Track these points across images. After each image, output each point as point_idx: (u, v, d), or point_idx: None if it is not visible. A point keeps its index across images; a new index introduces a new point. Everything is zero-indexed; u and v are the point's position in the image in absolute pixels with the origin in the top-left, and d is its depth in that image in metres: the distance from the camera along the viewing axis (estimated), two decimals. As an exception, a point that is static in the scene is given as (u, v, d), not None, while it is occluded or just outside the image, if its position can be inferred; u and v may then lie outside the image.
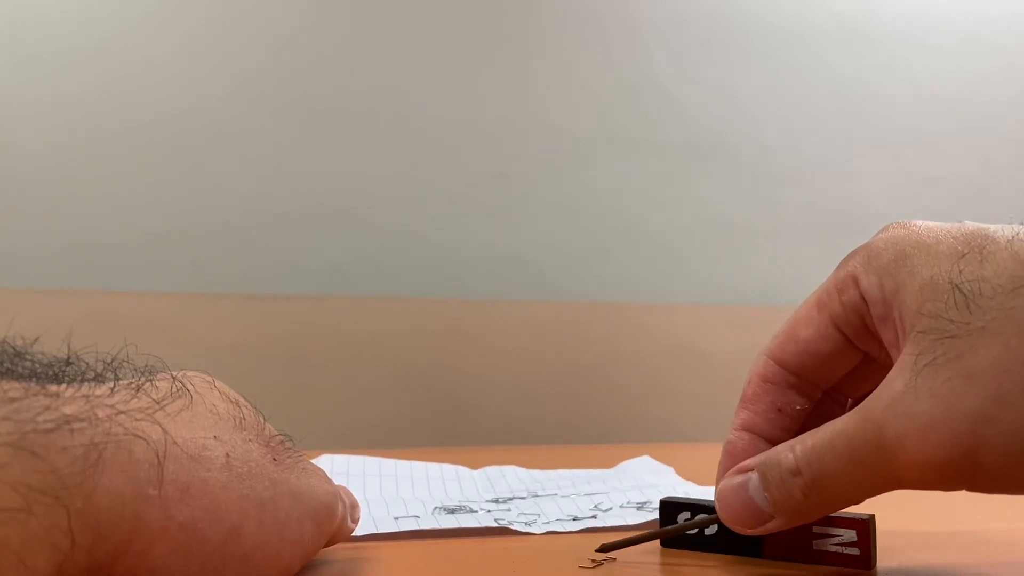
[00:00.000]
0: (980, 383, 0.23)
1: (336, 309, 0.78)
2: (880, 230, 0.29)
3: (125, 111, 0.76)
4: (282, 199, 0.78)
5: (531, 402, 0.80)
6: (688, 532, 0.34)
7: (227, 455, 0.25)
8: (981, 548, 0.35)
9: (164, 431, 0.23)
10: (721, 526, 0.31)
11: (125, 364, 0.25)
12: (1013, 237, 0.25)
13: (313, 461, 0.35)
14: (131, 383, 0.24)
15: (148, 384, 0.24)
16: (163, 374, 0.26)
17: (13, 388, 0.20)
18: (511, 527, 0.37)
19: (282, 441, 0.29)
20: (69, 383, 0.22)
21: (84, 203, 0.75)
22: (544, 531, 0.37)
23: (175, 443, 0.23)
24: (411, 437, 0.77)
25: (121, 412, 0.22)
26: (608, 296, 0.84)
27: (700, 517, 0.33)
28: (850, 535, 0.30)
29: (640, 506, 0.41)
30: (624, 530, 0.37)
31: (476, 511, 0.41)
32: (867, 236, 0.30)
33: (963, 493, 0.25)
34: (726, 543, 0.32)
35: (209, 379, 0.28)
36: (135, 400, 0.23)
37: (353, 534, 0.33)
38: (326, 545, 0.31)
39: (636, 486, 0.46)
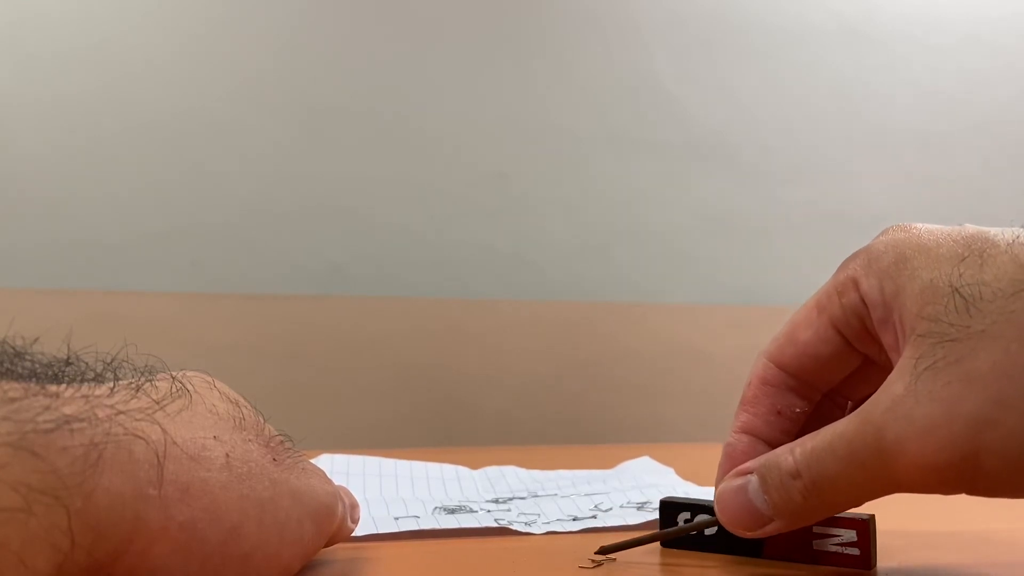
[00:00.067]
0: (980, 387, 0.23)
1: (336, 309, 0.78)
2: (880, 233, 0.29)
3: (125, 111, 0.76)
4: (282, 199, 0.78)
5: (531, 402, 0.80)
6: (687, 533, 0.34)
7: (227, 455, 0.25)
8: (981, 548, 0.35)
9: (164, 431, 0.23)
10: (721, 526, 0.31)
11: (125, 364, 0.25)
12: (1013, 240, 0.25)
13: (313, 461, 0.35)
14: (131, 383, 0.24)
15: (148, 384, 0.24)
16: (163, 374, 0.26)
17: (13, 388, 0.20)
18: (511, 527, 0.37)
19: (282, 441, 0.29)
20: (69, 383, 0.22)
21: (84, 203, 0.75)
22: (544, 531, 0.37)
23: (175, 443, 0.23)
24: (411, 437, 0.77)
25: (121, 412, 0.22)
26: (608, 296, 0.84)
27: (699, 519, 0.33)
28: (850, 535, 0.30)
29: (640, 506, 0.41)
30: (624, 530, 0.37)
31: (476, 511, 0.41)
32: (867, 236, 0.30)
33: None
34: (726, 543, 0.32)
35: (209, 379, 0.28)
36: (135, 400, 0.23)
37: (353, 534, 0.33)
38: (326, 545, 0.31)
39: (636, 486, 0.46)
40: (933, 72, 0.93)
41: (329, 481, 0.31)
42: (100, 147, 0.75)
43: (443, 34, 0.82)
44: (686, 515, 0.34)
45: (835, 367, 0.30)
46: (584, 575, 0.31)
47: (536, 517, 0.39)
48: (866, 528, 0.30)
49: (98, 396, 0.22)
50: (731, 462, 0.30)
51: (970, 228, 0.27)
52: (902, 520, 0.36)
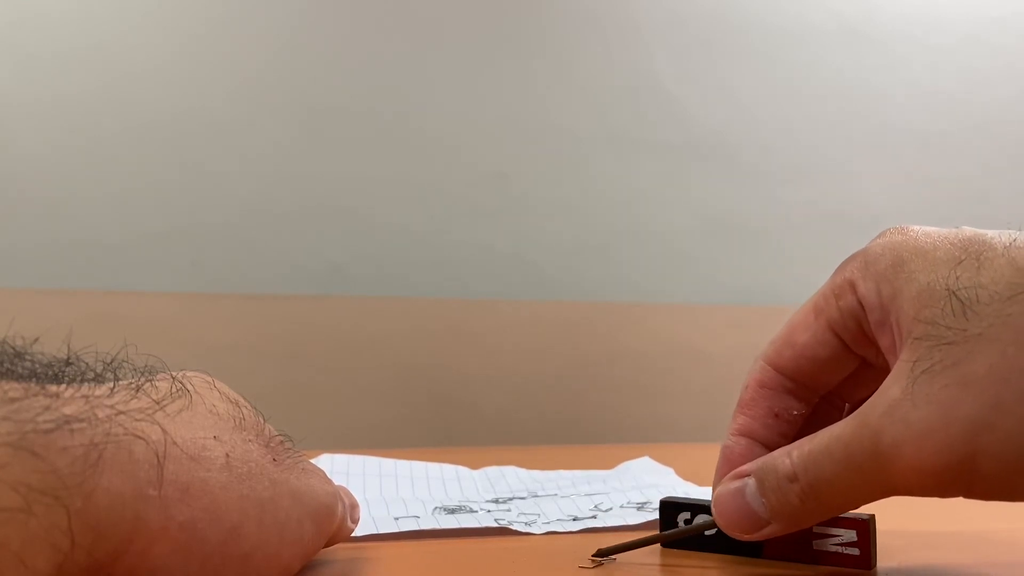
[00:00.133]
0: (977, 390, 0.23)
1: (336, 309, 0.78)
2: (877, 235, 0.29)
3: (125, 111, 0.76)
4: (282, 199, 0.78)
5: (531, 402, 0.80)
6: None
7: (227, 455, 0.25)
8: (981, 548, 0.35)
9: (164, 431, 0.23)
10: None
11: (125, 364, 0.25)
12: (1010, 244, 0.25)
13: (313, 461, 0.35)
14: (131, 383, 0.24)
15: (148, 384, 0.24)
16: (163, 374, 0.26)
17: (13, 388, 0.20)
18: (511, 527, 0.37)
19: (282, 441, 0.29)
20: (69, 383, 0.22)
21: (84, 203, 0.75)
22: (544, 531, 0.37)
23: (175, 443, 0.23)
24: (411, 437, 0.77)
25: (121, 412, 0.22)
26: (608, 296, 0.84)
27: (697, 522, 0.33)
28: (850, 535, 0.30)
29: (640, 506, 0.41)
30: (624, 530, 0.37)
31: (476, 511, 0.41)
32: (867, 236, 0.30)
33: (963, 494, 0.25)
34: (726, 543, 0.32)
35: (209, 379, 0.28)
36: (135, 400, 0.23)
37: (353, 534, 0.33)
38: (326, 545, 0.31)
39: (636, 486, 0.46)
40: (933, 72, 0.93)
41: (329, 481, 0.31)
42: (100, 147, 0.75)
43: (443, 34, 0.82)
44: (686, 515, 0.34)
45: (832, 369, 0.30)
46: (584, 575, 0.31)
47: (536, 517, 0.39)
48: (866, 528, 0.30)
49: (98, 396, 0.22)
50: (728, 465, 0.30)
51: (967, 230, 0.27)
52: (902, 520, 0.37)
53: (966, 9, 0.93)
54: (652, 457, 0.55)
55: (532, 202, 0.83)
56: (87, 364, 0.24)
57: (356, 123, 0.80)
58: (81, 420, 0.20)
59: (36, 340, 0.24)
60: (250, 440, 0.27)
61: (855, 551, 0.30)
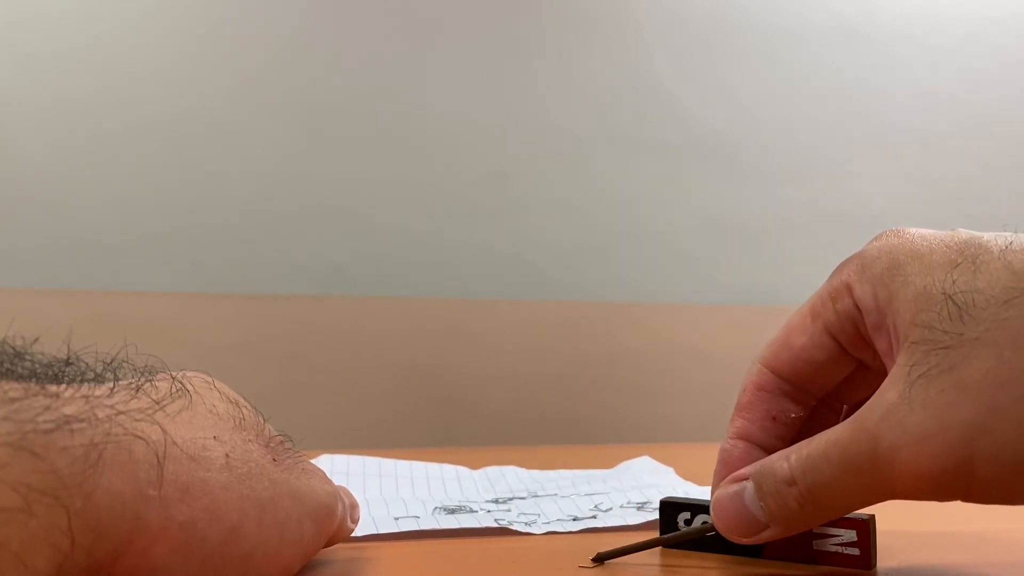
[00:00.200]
0: (974, 394, 0.23)
1: (336, 309, 0.78)
2: (874, 238, 0.29)
3: (125, 111, 0.76)
4: (282, 199, 0.78)
5: (531, 402, 0.80)
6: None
7: (227, 455, 0.25)
8: (981, 548, 0.35)
9: (164, 431, 0.23)
10: (719, 529, 0.31)
11: (125, 364, 0.25)
12: (1007, 247, 0.25)
13: (313, 461, 0.35)
14: (131, 383, 0.24)
15: (148, 384, 0.24)
16: (163, 374, 0.26)
17: (13, 388, 0.20)
18: (511, 527, 0.37)
19: (282, 441, 0.29)
20: (69, 383, 0.22)
21: (84, 203, 0.75)
22: (544, 531, 0.37)
23: (175, 443, 0.23)
24: (411, 437, 0.77)
25: (121, 412, 0.22)
26: (608, 296, 0.84)
27: (694, 526, 0.33)
28: (850, 535, 0.30)
29: (640, 506, 0.41)
30: (624, 530, 0.37)
31: (476, 511, 0.41)
32: (867, 236, 0.30)
33: (962, 494, 0.25)
34: (726, 543, 0.32)
35: (209, 379, 0.28)
36: (135, 400, 0.23)
37: (353, 534, 0.33)
38: (326, 545, 0.31)
39: (636, 486, 0.46)
40: (933, 72, 0.93)
41: (329, 481, 0.31)
42: (100, 147, 0.75)
43: (443, 34, 0.82)
44: (686, 515, 0.34)
45: (830, 372, 0.30)
46: (584, 575, 0.31)
47: (536, 517, 0.39)
48: (866, 528, 0.30)
49: (98, 396, 0.22)
50: (726, 468, 0.30)
51: (963, 233, 0.27)
52: (902, 520, 0.37)
53: (966, 9, 0.93)
54: (652, 457, 0.55)
55: (532, 202, 0.83)
56: (87, 364, 0.24)
57: (356, 123, 0.80)
58: (81, 420, 0.20)
59: (36, 340, 0.24)
60: (250, 440, 0.27)
61: (855, 551, 0.30)
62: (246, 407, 0.28)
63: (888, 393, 0.25)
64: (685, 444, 0.75)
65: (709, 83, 0.87)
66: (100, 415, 0.21)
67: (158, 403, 0.24)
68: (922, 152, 0.92)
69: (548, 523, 0.38)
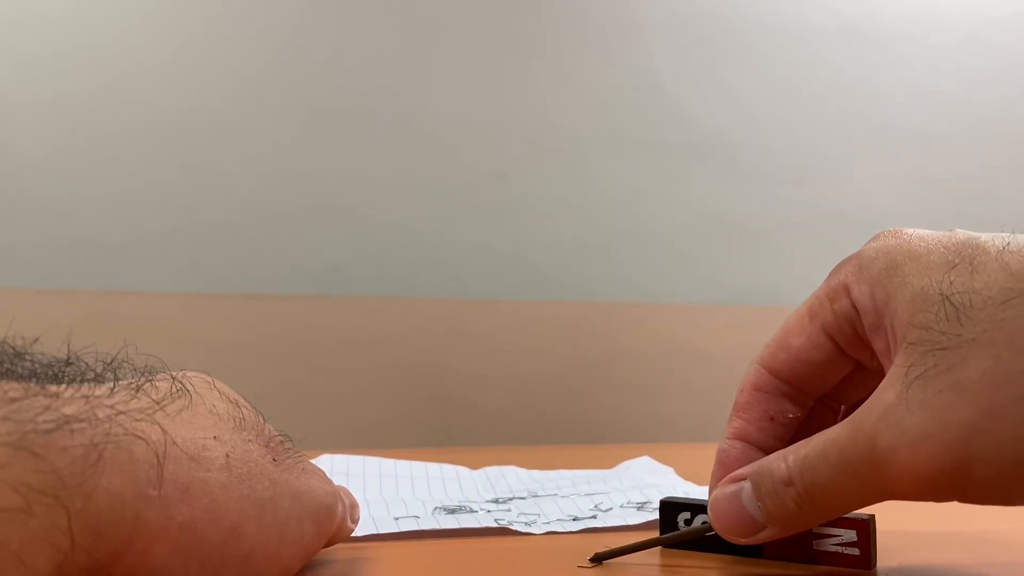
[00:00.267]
0: (971, 395, 0.23)
1: (336, 309, 0.78)
2: (871, 238, 0.29)
3: (125, 111, 0.76)
4: (282, 199, 0.78)
5: (531, 402, 0.80)
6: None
7: (227, 455, 0.25)
8: (981, 548, 0.35)
9: (164, 431, 0.23)
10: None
11: (125, 364, 0.25)
12: (1004, 248, 0.25)
13: (313, 461, 0.35)
14: (131, 383, 0.24)
15: (148, 384, 0.24)
16: (163, 374, 0.26)
17: (13, 388, 0.20)
18: (511, 527, 0.37)
19: (282, 441, 0.29)
20: (69, 383, 0.22)
21: (84, 203, 0.75)
22: (544, 531, 0.37)
23: (175, 443, 0.23)
24: (411, 437, 0.77)
25: (121, 412, 0.22)
26: (608, 296, 0.84)
27: (693, 527, 0.33)
28: (850, 535, 0.30)
29: (640, 506, 0.41)
30: (624, 530, 0.37)
31: (476, 511, 0.41)
32: (867, 236, 0.30)
33: (963, 494, 0.25)
34: (726, 543, 0.32)
35: (209, 379, 0.28)
36: (135, 400, 0.23)
37: (353, 534, 0.33)
38: (326, 545, 0.31)
39: (636, 486, 0.46)
40: (933, 72, 0.93)
41: (329, 481, 0.31)
42: (100, 147, 0.75)
43: (443, 34, 0.82)
44: (686, 515, 0.34)
45: (827, 373, 0.30)
46: (583, 575, 0.31)
47: (536, 517, 0.39)
48: (866, 528, 0.30)
49: (98, 396, 0.22)
50: (724, 468, 0.30)
51: (960, 234, 0.27)
52: (902, 520, 0.37)
53: (966, 9, 0.93)
54: (652, 457, 0.55)
55: (532, 202, 0.83)
56: (87, 364, 0.24)
57: (356, 123, 0.80)
58: (81, 420, 0.20)
59: (36, 340, 0.24)
60: (250, 440, 0.27)
61: (855, 551, 0.30)
62: (246, 407, 0.28)
63: (886, 394, 0.25)
64: (685, 444, 0.75)
65: (709, 83, 0.87)
66: (100, 415, 0.21)
67: (158, 403, 0.24)
68: (922, 152, 0.92)
69: (548, 523, 0.38)
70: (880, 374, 0.27)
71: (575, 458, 0.59)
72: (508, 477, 0.51)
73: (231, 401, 0.28)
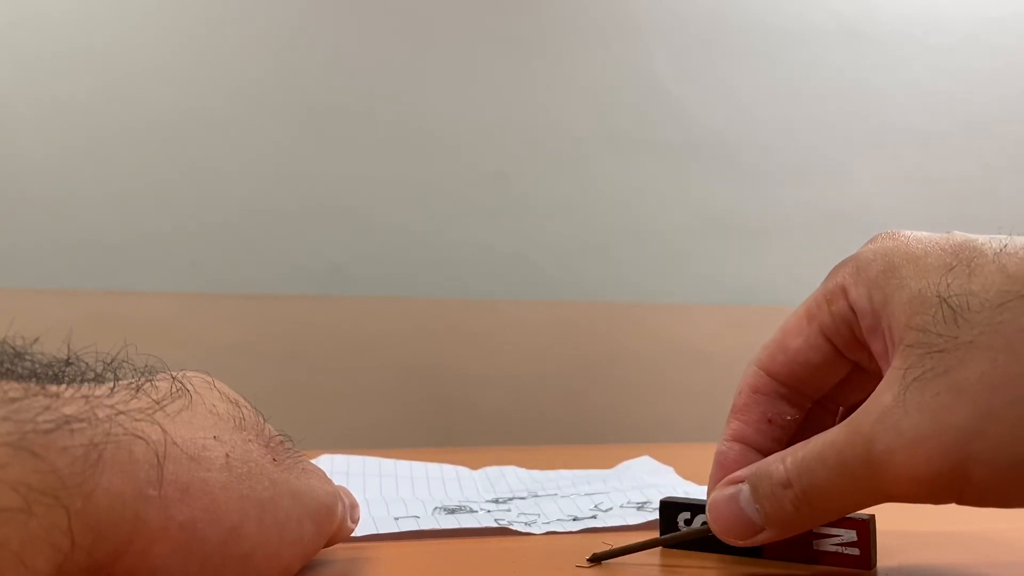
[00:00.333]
0: (969, 398, 0.23)
1: (336, 309, 0.78)
2: (869, 240, 0.29)
3: (125, 111, 0.76)
4: (282, 199, 0.78)
5: (531, 402, 0.80)
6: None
7: (227, 455, 0.25)
8: (981, 548, 0.35)
9: (164, 431, 0.23)
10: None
11: (125, 364, 0.25)
12: (1001, 250, 0.25)
13: (313, 461, 0.35)
14: (131, 383, 0.24)
15: (148, 384, 0.24)
16: (163, 374, 0.26)
17: (13, 388, 0.20)
18: (511, 527, 0.37)
19: (282, 441, 0.29)
20: (69, 383, 0.22)
21: (84, 203, 0.75)
22: (544, 531, 0.37)
23: (175, 443, 0.23)
24: (411, 437, 0.77)
25: (121, 412, 0.22)
26: (608, 296, 0.84)
27: (694, 527, 0.33)
28: (850, 535, 0.30)
29: (640, 506, 0.41)
30: (624, 530, 0.37)
31: (476, 511, 0.41)
32: (867, 236, 0.30)
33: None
34: (726, 544, 0.32)
35: (209, 379, 0.28)
36: (135, 400, 0.23)
37: (353, 534, 0.33)
38: (326, 545, 0.31)
39: (636, 486, 0.46)
40: (933, 72, 0.93)
41: (329, 481, 0.31)
42: (100, 147, 0.75)
43: (443, 34, 0.82)
44: (686, 515, 0.34)
45: (825, 374, 0.30)
46: (582, 574, 0.31)
47: (536, 517, 0.39)
48: (866, 528, 0.30)
49: (98, 396, 0.22)
50: (722, 470, 0.30)
51: (958, 236, 0.27)
52: (902, 520, 0.37)
53: (966, 9, 0.93)
54: (652, 457, 0.55)
55: (532, 202, 0.83)
56: (87, 364, 0.24)
57: (356, 123, 0.80)
58: (81, 420, 0.20)
59: (36, 340, 0.24)
60: (250, 440, 0.27)
61: (855, 551, 0.30)
62: (246, 407, 0.28)
63: (883, 396, 0.25)
64: (685, 444, 0.75)
65: (709, 83, 0.87)
66: (100, 415, 0.21)
67: (158, 403, 0.24)
68: (922, 152, 0.92)
69: (548, 523, 0.38)
70: (878, 376, 0.27)
71: (575, 458, 0.59)
72: (508, 477, 0.51)
73: (231, 401, 0.28)
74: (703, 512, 0.33)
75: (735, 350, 0.83)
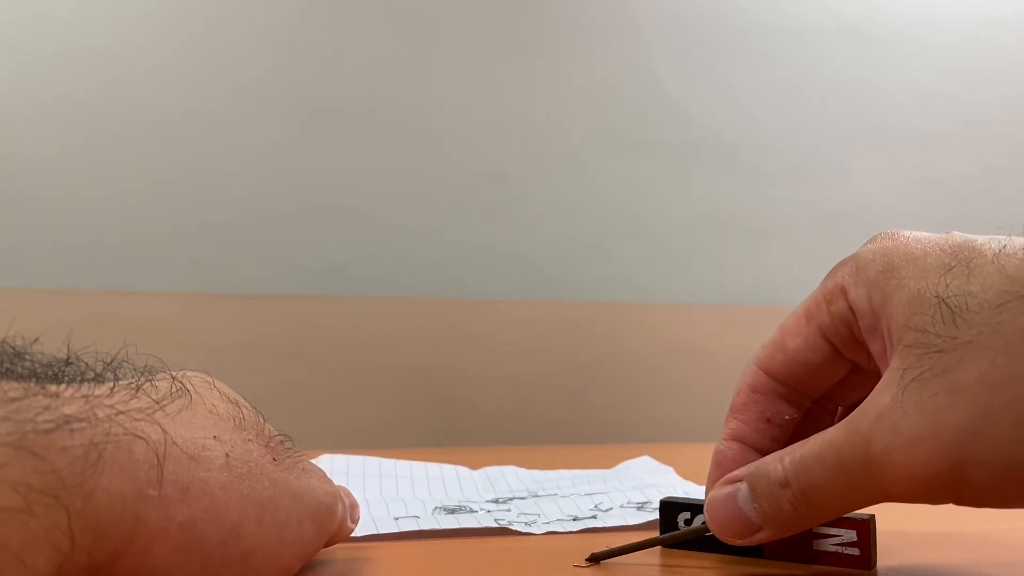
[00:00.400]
0: (967, 398, 0.23)
1: (336, 309, 0.78)
2: (868, 240, 0.29)
3: (125, 111, 0.76)
4: (282, 199, 0.78)
5: (531, 402, 0.80)
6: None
7: (227, 455, 0.25)
8: (981, 548, 0.35)
9: (164, 431, 0.23)
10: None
11: (125, 364, 0.25)
12: (1000, 250, 0.25)
13: (313, 461, 0.35)
14: (131, 383, 0.24)
15: (148, 384, 0.24)
16: (163, 374, 0.26)
17: (13, 388, 0.20)
18: (511, 527, 0.37)
19: (282, 441, 0.29)
20: (69, 383, 0.22)
21: (84, 203, 0.75)
22: (544, 531, 0.37)
23: (175, 443, 0.23)
24: (411, 437, 0.77)
25: (121, 412, 0.22)
26: (608, 296, 0.84)
27: (693, 527, 0.33)
28: (850, 535, 0.30)
29: (640, 506, 0.41)
30: (624, 530, 0.37)
31: (476, 511, 0.41)
32: (867, 236, 0.30)
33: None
34: (725, 543, 0.32)
35: (209, 379, 0.28)
36: (135, 400, 0.23)
37: (353, 534, 0.33)
38: (326, 545, 0.31)
39: (636, 486, 0.46)
40: (933, 72, 0.93)
41: (329, 481, 0.31)
42: (100, 147, 0.75)
43: (443, 34, 0.82)
44: (686, 515, 0.34)
45: (824, 374, 0.30)
46: (581, 574, 0.31)
47: (536, 517, 0.39)
48: (866, 528, 0.30)
49: (98, 396, 0.22)
50: (721, 470, 0.30)
51: (957, 236, 0.27)
52: (902, 520, 0.37)
53: (966, 9, 0.93)
54: (652, 457, 0.55)
55: (532, 202, 0.83)
56: (87, 364, 0.24)
57: (356, 123, 0.80)
58: (81, 420, 0.20)
59: (36, 340, 0.24)
60: (250, 440, 0.27)
61: (855, 551, 0.30)
62: (246, 407, 0.28)
63: (881, 396, 0.25)
64: (685, 444, 0.75)
65: (709, 83, 0.87)
66: (100, 415, 0.21)
67: (158, 403, 0.24)
68: (922, 152, 0.92)
69: (548, 523, 0.38)
70: (877, 376, 0.27)
71: (575, 458, 0.59)
72: (508, 477, 0.51)
73: (231, 401, 0.28)
74: (703, 512, 0.33)
75: (735, 350, 0.83)
